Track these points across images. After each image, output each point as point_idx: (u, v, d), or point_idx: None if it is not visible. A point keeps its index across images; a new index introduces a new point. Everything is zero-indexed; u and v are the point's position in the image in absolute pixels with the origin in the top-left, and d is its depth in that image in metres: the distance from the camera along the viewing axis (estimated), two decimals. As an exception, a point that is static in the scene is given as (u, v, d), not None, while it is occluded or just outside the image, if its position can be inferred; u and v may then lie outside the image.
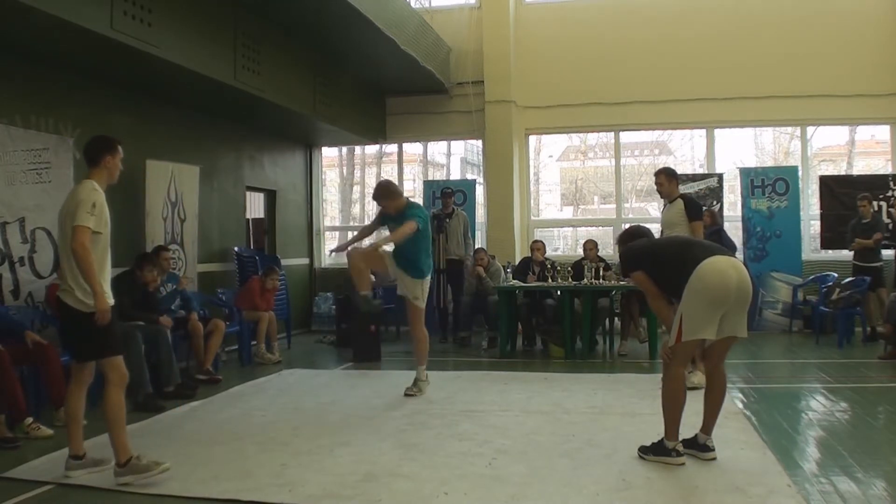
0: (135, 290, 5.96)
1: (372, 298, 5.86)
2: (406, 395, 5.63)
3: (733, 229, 9.44)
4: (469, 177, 11.43)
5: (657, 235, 5.13)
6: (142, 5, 5.38)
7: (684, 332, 3.69)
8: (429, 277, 5.77)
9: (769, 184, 9.50)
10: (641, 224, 4.84)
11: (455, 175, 11.58)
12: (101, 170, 3.77)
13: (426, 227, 5.62)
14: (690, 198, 6.02)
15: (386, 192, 5.70)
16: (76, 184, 3.88)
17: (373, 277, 6.06)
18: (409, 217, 5.48)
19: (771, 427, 4.53)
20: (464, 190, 10.17)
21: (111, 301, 3.68)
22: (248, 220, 9.53)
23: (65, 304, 3.66)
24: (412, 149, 11.70)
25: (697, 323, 3.66)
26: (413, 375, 5.78)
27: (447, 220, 8.88)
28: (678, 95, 9.82)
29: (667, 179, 5.97)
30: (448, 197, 9.07)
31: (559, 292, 7.80)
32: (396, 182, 11.35)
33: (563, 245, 11.65)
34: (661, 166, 6.51)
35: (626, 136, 10.69)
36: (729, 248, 8.12)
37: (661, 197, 6.28)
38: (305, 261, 10.77)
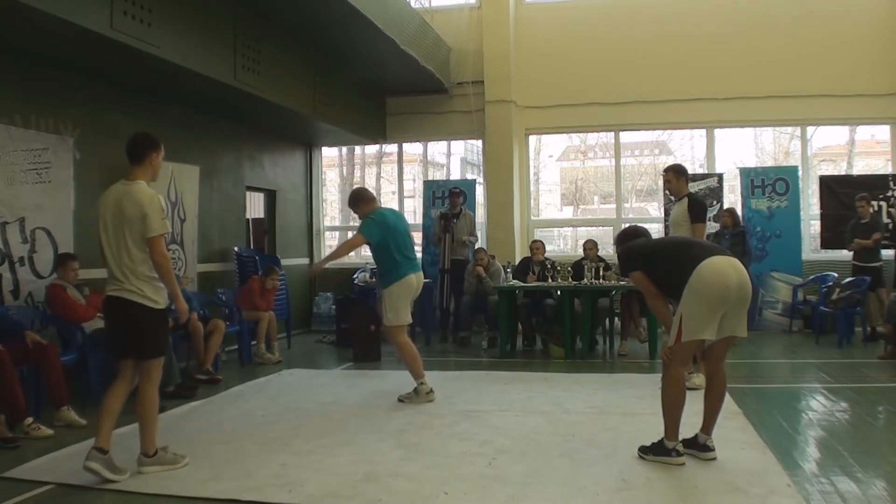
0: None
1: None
2: (399, 400, 5.39)
3: (734, 229, 9.43)
4: (469, 177, 11.43)
5: (662, 234, 5.12)
6: (142, 5, 5.38)
7: (684, 332, 3.68)
8: (397, 287, 5.36)
9: (769, 184, 9.51)
10: (640, 224, 4.84)
11: (455, 175, 11.58)
12: (146, 168, 3.73)
13: (378, 235, 5.37)
14: (695, 198, 5.77)
15: (358, 197, 5.58)
16: (124, 185, 3.68)
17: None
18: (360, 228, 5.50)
19: (771, 427, 4.53)
20: (464, 190, 10.16)
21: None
22: (248, 220, 9.53)
23: (132, 303, 3.62)
24: (412, 149, 11.70)
25: (697, 323, 3.65)
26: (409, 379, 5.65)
27: (454, 220, 8.86)
28: (678, 95, 9.83)
29: (674, 176, 5.76)
30: (456, 196, 9.04)
31: (559, 292, 7.80)
32: (396, 182, 11.46)
33: (562, 245, 11.65)
34: (663, 165, 6.49)
35: (626, 136, 10.70)
36: (748, 254, 8.18)
37: (670, 194, 6.27)
38: (305, 261, 10.75)
